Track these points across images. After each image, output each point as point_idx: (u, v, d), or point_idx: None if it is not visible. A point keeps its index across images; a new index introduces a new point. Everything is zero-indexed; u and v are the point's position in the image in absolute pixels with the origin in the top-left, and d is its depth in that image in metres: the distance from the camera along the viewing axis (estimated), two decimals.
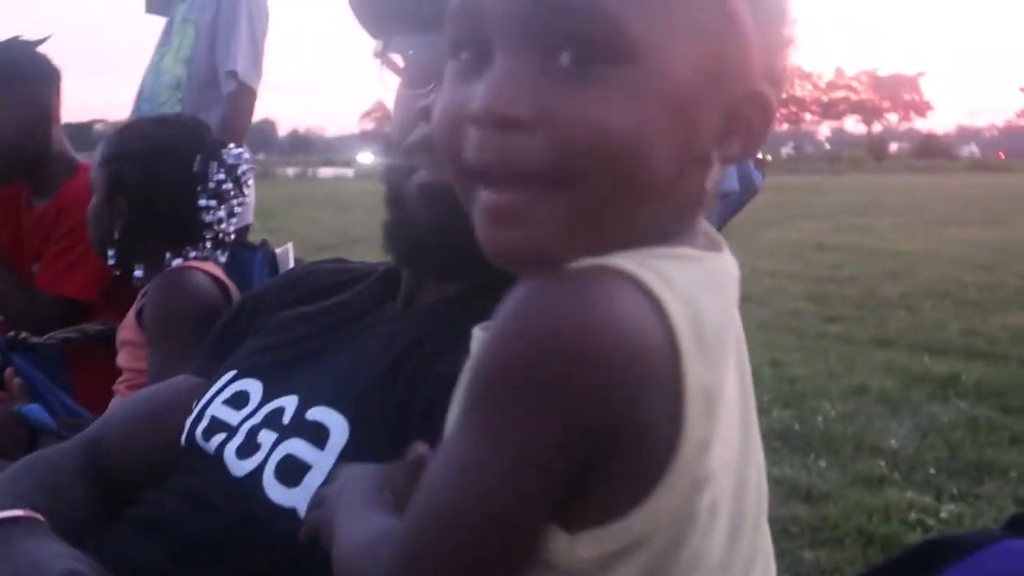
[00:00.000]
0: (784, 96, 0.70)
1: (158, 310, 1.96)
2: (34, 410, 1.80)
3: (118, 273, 2.12)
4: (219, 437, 1.06)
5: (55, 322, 2.46)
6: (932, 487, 3.50)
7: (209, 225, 2.04)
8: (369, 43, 1.08)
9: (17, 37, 2.66)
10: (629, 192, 0.62)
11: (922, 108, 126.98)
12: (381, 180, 1.08)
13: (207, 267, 2.03)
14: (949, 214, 17.31)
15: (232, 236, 2.09)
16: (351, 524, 0.72)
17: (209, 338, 1.36)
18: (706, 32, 0.63)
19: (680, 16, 0.62)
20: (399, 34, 1.05)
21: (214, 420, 1.09)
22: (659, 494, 0.61)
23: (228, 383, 1.12)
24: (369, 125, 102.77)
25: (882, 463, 3.78)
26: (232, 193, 2.05)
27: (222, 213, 2.05)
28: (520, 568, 0.62)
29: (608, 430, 0.59)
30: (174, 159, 2.02)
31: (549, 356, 0.57)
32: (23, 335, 2.42)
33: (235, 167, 2.05)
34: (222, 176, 2.04)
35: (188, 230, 2.04)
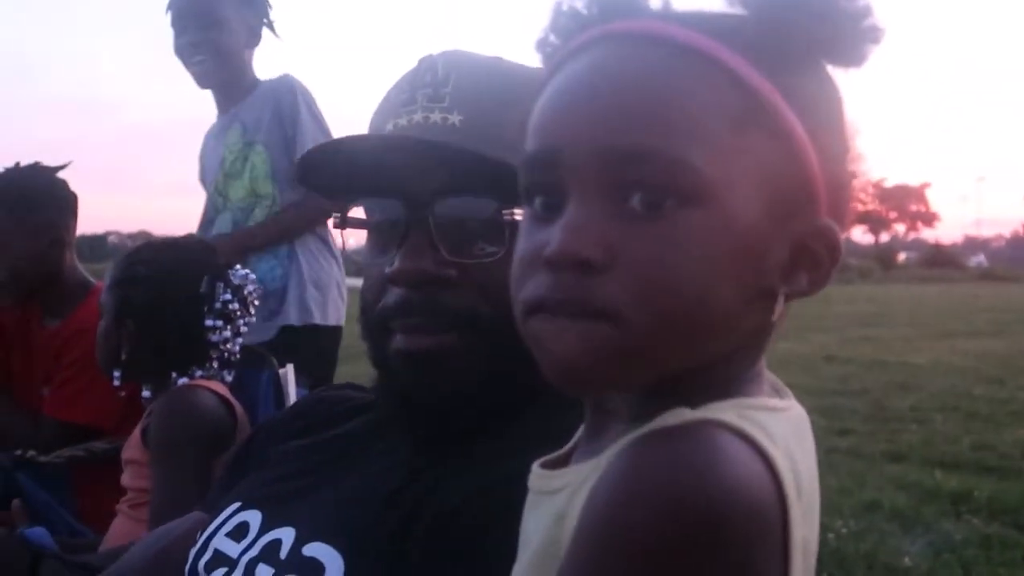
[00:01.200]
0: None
1: (162, 429, 1.96)
2: (37, 533, 1.80)
3: (123, 393, 2.13)
4: (220, 571, 1.06)
5: (61, 446, 2.46)
6: None
7: (215, 345, 2.05)
8: None
9: (37, 163, 2.70)
10: (693, 327, 0.63)
11: (929, 218, 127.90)
12: (362, 339, 1.09)
13: (213, 386, 2.04)
14: (957, 325, 17.29)
15: (238, 355, 2.10)
16: None
17: (223, 470, 1.36)
18: (774, 174, 0.65)
19: (749, 160, 0.64)
20: (358, 199, 1.08)
21: (216, 553, 1.09)
22: None
23: (232, 515, 1.12)
24: None
25: None
26: (239, 313, 2.07)
27: (228, 333, 2.06)
28: None
29: None
30: (181, 281, 2.04)
31: (683, 516, 0.58)
32: (30, 453, 2.42)
33: (241, 287, 2.08)
34: (228, 296, 2.06)
35: (194, 350, 2.05)
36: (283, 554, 1.01)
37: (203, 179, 3.35)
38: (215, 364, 2.07)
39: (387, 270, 1.00)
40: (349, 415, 1.23)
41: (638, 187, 0.62)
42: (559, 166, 0.65)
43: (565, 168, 0.65)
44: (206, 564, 1.09)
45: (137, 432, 2.03)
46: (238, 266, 2.12)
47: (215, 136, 3.18)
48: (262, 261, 2.96)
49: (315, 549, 0.98)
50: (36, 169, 2.67)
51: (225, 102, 3.12)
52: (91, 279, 2.73)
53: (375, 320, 1.04)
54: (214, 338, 2.05)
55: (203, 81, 3.12)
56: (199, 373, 2.05)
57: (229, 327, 2.06)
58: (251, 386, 2.15)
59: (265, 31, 3.22)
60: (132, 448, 2.04)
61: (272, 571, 0.99)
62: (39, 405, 2.61)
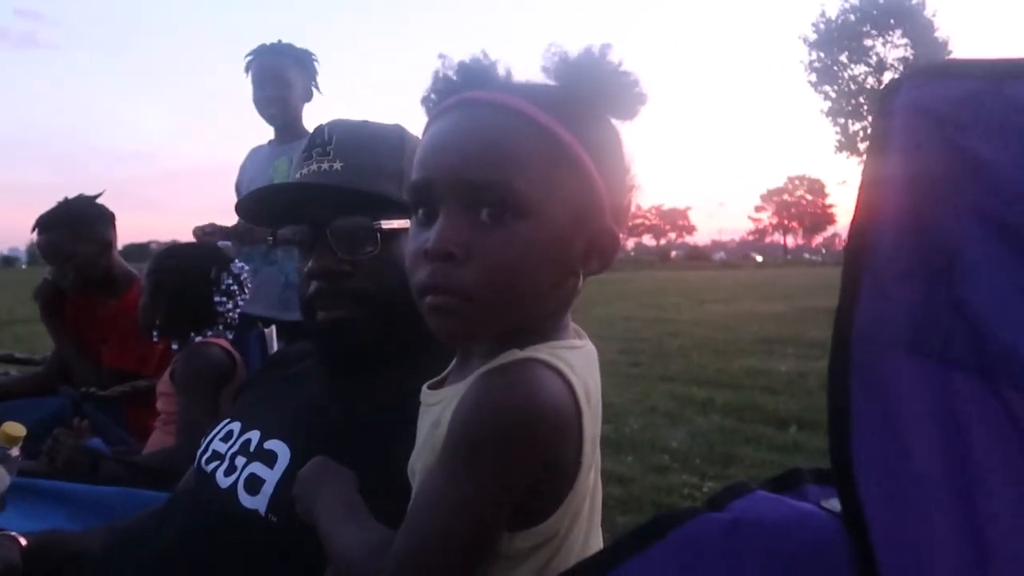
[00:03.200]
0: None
1: (184, 371, 1.90)
2: (95, 443, 1.72)
3: (159, 347, 2.05)
4: (214, 463, 1.03)
5: (115, 385, 2.37)
6: (698, 472, 3.56)
7: (221, 314, 1.99)
8: None
9: (81, 195, 2.57)
10: (521, 298, 0.65)
11: (690, 229, 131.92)
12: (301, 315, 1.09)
13: (220, 342, 1.98)
14: (707, 295, 17.86)
15: (236, 321, 2.04)
16: (343, 526, 0.72)
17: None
18: (574, 194, 0.65)
19: (558, 186, 0.64)
20: (283, 225, 1.08)
21: (213, 451, 1.06)
22: (567, 502, 0.65)
23: (224, 426, 1.10)
24: None
25: (667, 457, 3.83)
26: (237, 292, 2.01)
27: (230, 305, 2.00)
28: (481, 563, 0.64)
29: (544, 469, 0.62)
30: (197, 271, 1.97)
31: (511, 426, 0.60)
32: (92, 389, 2.33)
33: (239, 275, 2.02)
34: (230, 281, 2.00)
35: (206, 317, 1.99)
36: (252, 448, 0.99)
37: (239, 187, 3.08)
38: (220, 327, 2.01)
39: (305, 270, 1.02)
40: (299, 359, 1.20)
41: (485, 205, 0.63)
42: (433, 190, 0.65)
43: (437, 191, 0.65)
44: (206, 460, 1.06)
45: (167, 374, 1.96)
46: (236, 260, 2.05)
47: (265, 158, 2.97)
48: (287, 260, 2.83)
49: (272, 444, 0.97)
50: (82, 198, 2.54)
51: (282, 138, 2.92)
52: (134, 271, 2.61)
53: (305, 303, 1.04)
54: (220, 309, 1.99)
55: (270, 122, 2.93)
56: (209, 333, 1.99)
57: (231, 302, 2.00)
58: (244, 341, 2.08)
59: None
60: (164, 384, 1.97)
61: (244, 460, 0.98)
62: (99, 358, 2.50)
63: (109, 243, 2.52)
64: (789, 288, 20.26)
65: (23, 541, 1.06)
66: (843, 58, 13.76)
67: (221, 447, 1.05)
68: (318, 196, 1.01)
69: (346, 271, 1.00)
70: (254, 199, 1.09)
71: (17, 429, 1.27)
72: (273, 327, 2.11)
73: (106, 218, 2.55)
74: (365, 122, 1.08)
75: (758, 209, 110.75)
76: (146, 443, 2.06)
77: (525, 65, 0.70)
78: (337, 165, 1.01)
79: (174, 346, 1.99)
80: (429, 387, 0.75)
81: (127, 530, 1.14)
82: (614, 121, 0.70)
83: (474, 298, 0.63)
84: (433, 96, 0.71)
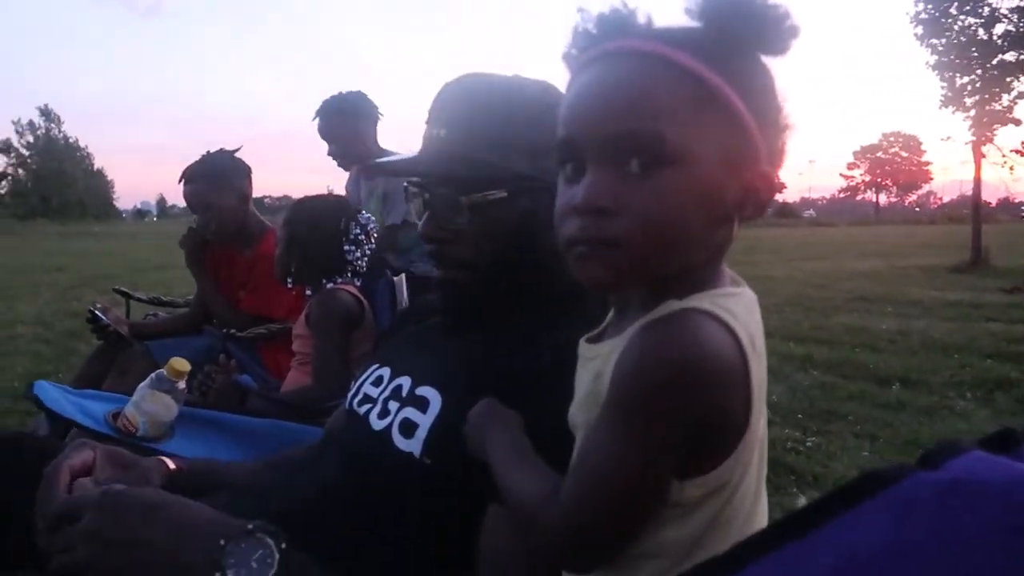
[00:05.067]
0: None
1: (318, 316, 1.94)
2: (245, 379, 1.79)
3: (293, 292, 2.10)
4: (367, 406, 1.03)
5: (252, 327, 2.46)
6: (800, 426, 3.44)
7: (350, 262, 2.03)
8: None
9: (222, 149, 2.64)
10: (674, 247, 0.61)
11: (780, 187, 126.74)
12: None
13: (349, 288, 2.02)
14: (798, 253, 17.19)
15: (364, 268, 2.07)
16: (516, 467, 0.71)
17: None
18: (724, 137, 0.61)
19: (707, 130, 0.60)
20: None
21: (364, 395, 1.06)
22: (737, 451, 0.62)
23: (373, 371, 1.10)
24: None
25: (768, 411, 3.72)
26: (364, 241, 2.04)
27: (358, 254, 2.03)
28: (651, 510, 0.62)
29: (713, 416, 0.59)
30: (328, 222, 2.01)
31: (677, 377, 0.57)
32: (232, 331, 2.42)
33: (366, 225, 2.05)
34: (358, 231, 2.03)
35: (336, 265, 2.02)
36: (404, 393, 0.98)
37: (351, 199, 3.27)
38: (349, 274, 2.05)
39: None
40: (435, 310, 1.20)
41: (633, 156, 0.60)
42: (579, 145, 0.62)
43: (583, 146, 0.62)
44: (358, 402, 1.06)
45: (302, 317, 2.01)
46: (363, 211, 2.07)
47: (361, 190, 3.17)
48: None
49: (424, 391, 0.96)
50: (223, 152, 2.61)
51: (368, 174, 3.12)
52: (266, 222, 2.68)
53: (427, 259, 1.06)
54: (349, 258, 2.02)
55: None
56: (339, 280, 2.03)
57: (359, 250, 2.03)
58: (372, 288, 2.11)
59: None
60: (299, 327, 2.02)
61: (397, 404, 0.97)
62: (238, 304, 2.59)
63: (246, 195, 2.59)
64: (884, 246, 19.29)
65: (172, 465, 1.07)
66: (952, 9, 12.64)
67: (372, 391, 1.05)
68: (422, 166, 1.02)
69: (447, 238, 0.99)
70: (388, 161, 1.11)
71: (183, 364, 1.32)
72: (403, 276, 2.13)
73: (243, 171, 2.62)
74: (486, 81, 1.02)
75: (850, 167, 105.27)
76: (281, 380, 2.14)
77: (667, 10, 0.65)
78: (441, 132, 0.99)
79: (308, 292, 2.04)
80: (587, 340, 0.73)
81: (284, 464, 1.17)
82: (764, 58, 0.64)
83: (627, 248, 0.60)
84: (574, 51, 0.67)
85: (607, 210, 0.60)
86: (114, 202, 65.63)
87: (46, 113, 50.14)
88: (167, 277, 9.82)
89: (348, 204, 2.08)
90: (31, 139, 47.52)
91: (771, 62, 0.64)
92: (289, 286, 2.06)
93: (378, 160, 1.12)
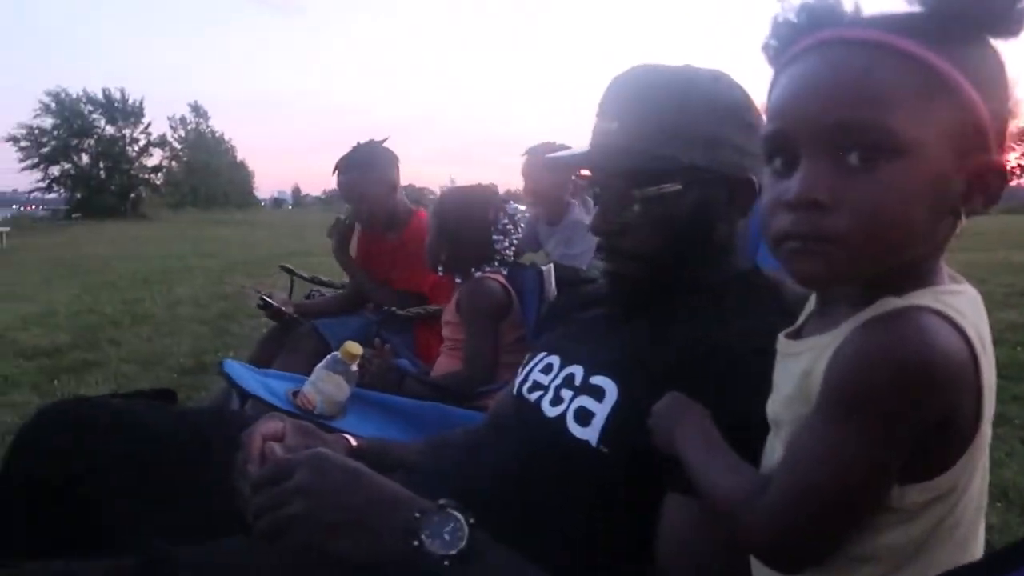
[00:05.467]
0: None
1: (469, 303, 2.00)
2: (403, 362, 1.87)
3: (441, 276, 2.17)
4: (537, 393, 1.05)
5: (407, 304, 2.55)
6: None
7: (498, 251, 2.07)
8: None
9: (371, 140, 2.75)
10: (895, 243, 0.59)
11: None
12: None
13: (497, 277, 2.06)
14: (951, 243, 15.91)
15: (511, 257, 2.11)
16: (710, 460, 0.71)
17: (532, 333, 1.36)
18: (953, 126, 0.58)
19: (934, 119, 0.57)
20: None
21: (534, 382, 1.07)
22: (967, 455, 0.59)
23: (541, 359, 1.11)
24: None
25: None
26: (511, 230, 2.08)
27: (506, 243, 2.07)
28: (866, 516, 0.60)
29: (941, 421, 0.57)
30: (476, 212, 2.06)
31: (907, 377, 0.55)
32: (392, 308, 2.51)
33: (513, 215, 2.08)
34: (505, 220, 2.06)
35: (484, 254, 2.07)
36: (577, 382, 0.99)
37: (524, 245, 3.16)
38: (496, 263, 2.09)
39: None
40: (598, 300, 1.20)
41: (854, 148, 0.57)
42: (792, 137, 0.60)
43: (797, 139, 0.60)
44: (527, 389, 1.08)
45: (452, 304, 2.07)
46: (511, 201, 2.11)
47: (545, 233, 3.28)
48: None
49: (598, 380, 0.96)
50: (372, 143, 2.71)
51: (548, 218, 3.21)
52: (412, 207, 2.78)
53: (596, 251, 1.06)
54: (497, 247, 2.06)
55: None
56: (488, 268, 2.08)
57: (506, 239, 2.07)
58: (518, 277, 2.14)
59: None
60: (449, 314, 2.09)
61: (571, 392, 0.98)
62: (388, 283, 2.71)
63: (394, 183, 2.71)
64: None
65: (353, 442, 1.12)
66: None
67: (543, 378, 1.07)
68: (595, 160, 1.02)
69: (617, 230, 0.99)
70: (563, 156, 1.12)
71: (356, 348, 1.40)
72: (551, 266, 2.15)
73: (391, 160, 2.73)
74: (657, 72, 1.01)
75: None
76: (430, 364, 2.21)
77: None
78: (613, 125, 0.98)
79: (457, 279, 2.11)
80: (786, 336, 0.71)
81: (448, 446, 1.21)
82: (993, 41, 0.60)
83: (844, 244, 0.58)
84: (774, 43, 0.65)
85: (823, 204, 0.58)
86: (254, 191, 69.91)
87: (196, 109, 54.10)
88: (308, 263, 10.35)
89: (496, 194, 2.13)
90: (183, 133, 51.44)
91: (1001, 45, 0.61)
92: (439, 274, 2.13)
93: (549, 155, 1.14)
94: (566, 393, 0.99)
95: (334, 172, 2.70)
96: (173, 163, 45.65)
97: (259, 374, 1.52)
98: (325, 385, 1.39)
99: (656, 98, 0.97)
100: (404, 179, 2.78)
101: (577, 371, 1.02)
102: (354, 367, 1.40)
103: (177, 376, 3.93)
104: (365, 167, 2.65)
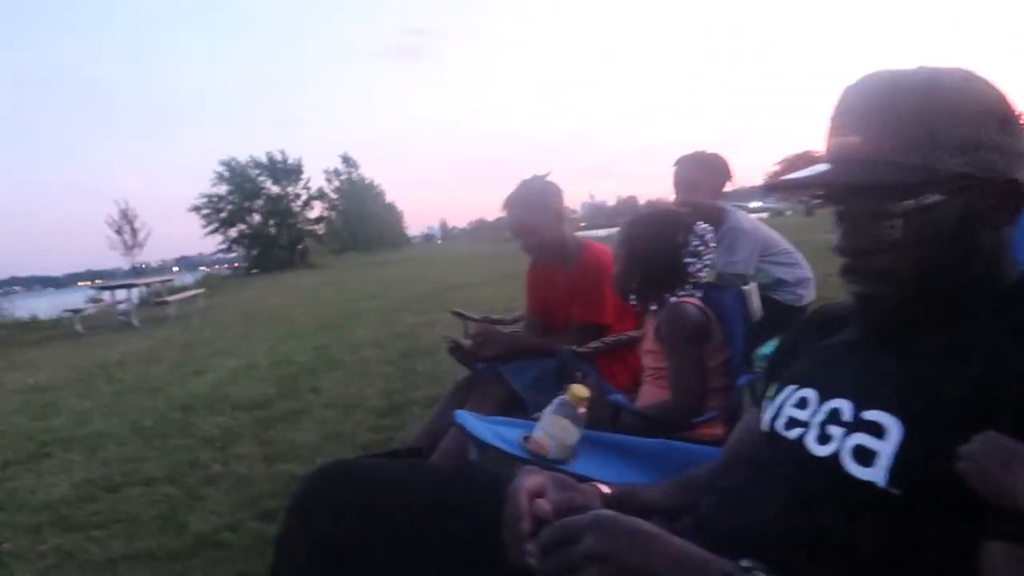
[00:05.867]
0: None
1: (669, 329, 1.98)
2: (617, 397, 1.87)
3: (637, 309, 2.16)
4: (797, 430, 0.99)
5: (588, 338, 2.57)
6: None
7: (691, 274, 2.04)
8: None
9: (535, 175, 2.80)
10: None
11: None
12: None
13: (693, 300, 2.03)
14: None
15: (704, 280, 2.07)
16: None
17: (764, 375, 1.28)
18: None
19: None
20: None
21: (790, 418, 1.02)
22: None
23: (792, 392, 1.05)
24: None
25: None
26: (703, 251, 2.04)
27: (699, 265, 2.04)
28: None
29: None
30: (667, 235, 2.04)
31: None
32: (573, 347, 2.55)
33: (703, 235, 2.04)
34: (697, 242, 2.03)
35: (679, 278, 2.05)
36: (846, 418, 0.92)
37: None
38: (689, 286, 2.06)
39: (833, 245, 0.98)
40: (845, 320, 1.12)
41: None
42: None
43: None
44: (784, 425, 1.02)
45: (651, 332, 2.06)
46: (699, 222, 2.07)
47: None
48: None
49: (874, 415, 0.89)
50: (536, 177, 2.77)
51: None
52: (580, 239, 2.81)
53: (839, 273, 0.99)
54: (690, 270, 2.03)
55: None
56: (681, 293, 2.05)
57: (699, 261, 2.04)
58: (716, 300, 2.10)
59: None
60: (649, 343, 2.07)
61: (842, 430, 0.91)
62: (568, 318, 2.72)
63: (562, 215, 2.75)
64: None
65: (605, 490, 1.12)
66: None
67: (800, 414, 1.02)
68: (835, 176, 0.95)
69: (868, 250, 0.93)
70: (792, 178, 1.07)
71: (583, 391, 1.42)
72: (754, 285, 2.10)
73: (557, 193, 2.78)
74: (897, 77, 0.94)
75: None
76: (616, 392, 2.21)
77: None
78: (854, 139, 0.92)
79: (652, 308, 2.09)
80: None
81: (694, 486, 1.18)
82: None
83: None
84: None
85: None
86: (405, 230, 73.33)
87: (346, 160, 57.73)
88: (466, 296, 10.71)
89: (683, 216, 2.10)
90: (337, 184, 54.97)
91: None
92: (632, 303, 2.12)
93: (783, 177, 1.11)
94: (834, 430, 0.94)
95: (503, 208, 2.78)
96: (332, 213, 48.77)
97: (487, 422, 1.58)
98: (555, 429, 1.42)
99: (902, 105, 0.91)
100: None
101: (843, 406, 0.96)
102: (581, 409, 1.43)
103: (375, 418, 4.16)
104: (532, 202, 2.71)
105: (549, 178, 2.80)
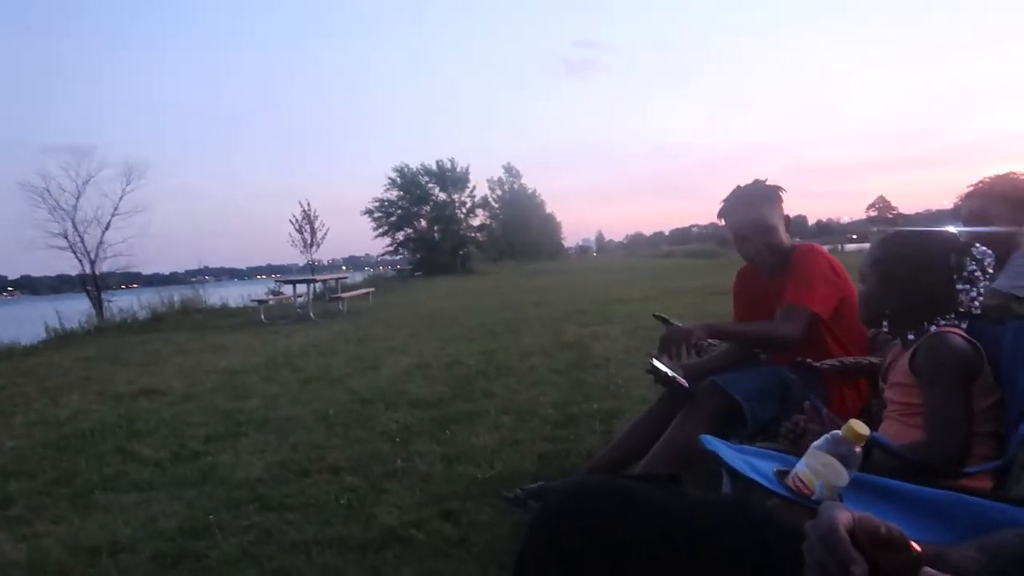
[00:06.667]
0: None
1: (932, 364, 1.73)
2: (877, 435, 1.66)
3: (892, 338, 1.93)
4: None
5: (801, 325, 2.34)
6: None
7: (962, 302, 1.78)
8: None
9: (755, 180, 2.62)
10: None
11: None
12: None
13: (959, 332, 1.77)
14: None
15: (977, 309, 1.80)
16: None
17: None
18: None
19: None
20: None
21: None
22: None
23: None
24: (873, 213, 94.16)
25: None
26: (979, 278, 1.78)
27: (973, 293, 1.78)
28: None
29: None
30: (934, 258, 1.80)
31: None
32: (807, 359, 2.34)
33: (981, 260, 1.78)
34: (973, 267, 1.77)
35: (944, 305, 1.80)
36: None
37: None
38: (952, 315, 1.80)
39: None
40: None
41: None
42: None
43: None
44: None
45: (904, 362, 1.82)
46: (977, 244, 1.81)
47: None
48: None
49: None
50: (759, 181, 2.60)
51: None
52: (789, 244, 2.61)
53: None
54: (963, 298, 1.78)
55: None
56: (943, 322, 1.80)
57: (974, 289, 1.78)
58: (989, 335, 1.82)
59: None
60: (901, 374, 1.83)
61: None
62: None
63: (785, 218, 2.57)
64: None
65: (916, 548, 0.97)
66: None
67: None
68: None
69: None
70: None
71: (863, 428, 1.24)
72: None
73: (776, 195, 2.59)
74: None
75: None
76: (843, 419, 1.96)
77: None
78: None
79: (910, 336, 1.85)
80: None
81: (1001, 554, 1.00)
82: None
83: None
84: None
85: None
86: (562, 240, 73.88)
87: (509, 170, 59.03)
88: (631, 310, 10.50)
89: (955, 237, 1.84)
90: (500, 193, 56.35)
91: None
92: (885, 330, 1.89)
93: None
94: None
95: (722, 215, 2.62)
96: (492, 221, 50.04)
97: (735, 449, 1.44)
98: (824, 468, 1.24)
99: None
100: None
101: None
102: (857, 448, 1.24)
103: (550, 428, 4.09)
104: (768, 200, 2.56)
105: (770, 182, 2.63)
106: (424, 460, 3.64)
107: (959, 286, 1.76)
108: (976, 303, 1.78)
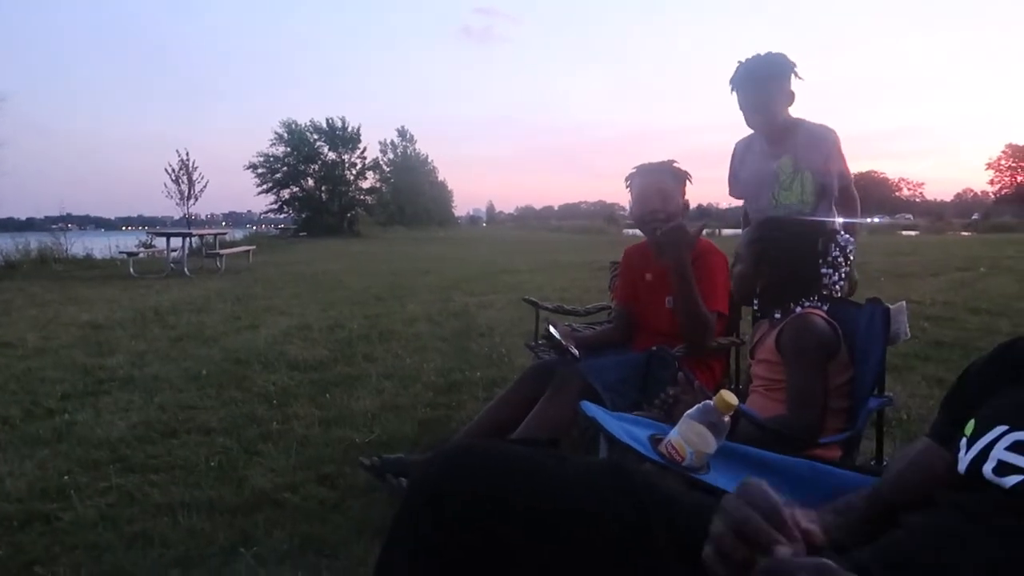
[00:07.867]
0: None
1: (794, 342, 1.85)
2: (742, 406, 1.74)
3: (759, 316, 2.04)
4: (1016, 477, 0.88)
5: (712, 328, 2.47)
6: None
7: (825, 285, 1.91)
8: None
9: (665, 160, 2.70)
10: None
11: None
12: None
13: (820, 313, 1.90)
14: None
15: (839, 293, 1.93)
16: None
17: (942, 407, 1.15)
18: None
19: None
20: None
21: (1001, 462, 0.91)
22: None
23: (1004, 433, 0.94)
24: None
25: None
26: (842, 264, 1.90)
27: (835, 277, 1.91)
28: None
29: None
30: (807, 241, 1.91)
31: None
32: (663, 347, 2.42)
33: (845, 247, 1.91)
34: (836, 252, 1.90)
35: (807, 288, 1.92)
36: None
37: (736, 175, 3.15)
38: (816, 299, 1.93)
39: None
40: None
41: None
42: None
43: None
44: (993, 470, 0.91)
45: (770, 342, 1.93)
46: (842, 231, 1.94)
47: (764, 155, 2.98)
48: None
49: None
50: (668, 161, 2.70)
51: (772, 138, 2.94)
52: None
53: None
54: (826, 281, 1.90)
55: (756, 129, 2.98)
56: (807, 303, 1.92)
57: (836, 273, 1.90)
58: (846, 317, 1.96)
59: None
60: (767, 352, 1.95)
61: None
62: (660, 309, 2.68)
63: (685, 203, 2.67)
64: None
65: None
66: None
67: (1016, 459, 0.91)
68: None
69: None
70: None
71: (732, 398, 1.30)
72: (903, 304, 1.95)
73: (683, 178, 2.69)
74: None
75: None
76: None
77: None
78: None
79: (776, 315, 1.96)
80: None
81: (854, 519, 1.08)
82: None
83: None
84: None
85: None
86: (452, 209, 73.50)
87: (403, 133, 58.12)
88: (518, 281, 10.62)
89: (826, 224, 1.97)
90: (392, 156, 55.33)
91: None
92: (754, 308, 2.00)
93: None
94: None
95: (629, 179, 2.68)
96: (383, 184, 49.06)
97: (614, 416, 1.48)
98: (695, 436, 1.30)
99: None
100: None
101: None
102: (726, 418, 1.31)
103: (433, 394, 4.09)
104: (674, 174, 2.67)
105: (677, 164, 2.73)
106: (301, 423, 3.55)
107: (823, 270, 1.88)
108: (838, 287, 1.91)
